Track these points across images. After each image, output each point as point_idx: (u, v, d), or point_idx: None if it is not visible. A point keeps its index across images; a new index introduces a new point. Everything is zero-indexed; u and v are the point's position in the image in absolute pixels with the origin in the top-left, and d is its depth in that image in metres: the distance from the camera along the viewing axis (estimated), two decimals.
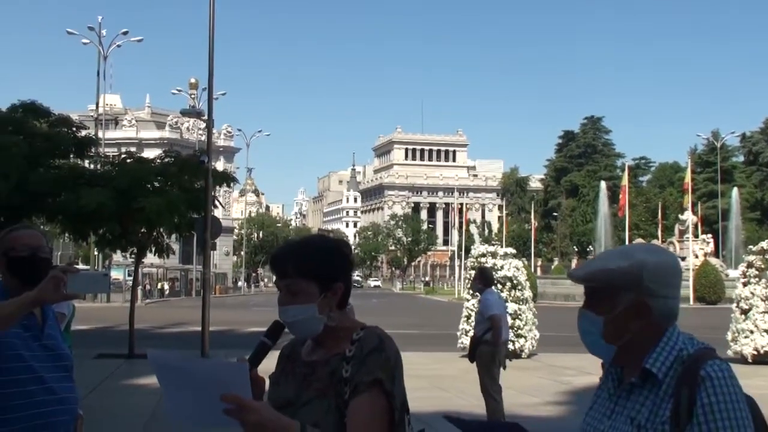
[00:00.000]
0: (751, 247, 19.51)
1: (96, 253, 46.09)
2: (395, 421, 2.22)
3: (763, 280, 17.78)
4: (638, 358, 2.06)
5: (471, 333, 10.42)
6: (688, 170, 59.73)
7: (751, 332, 17.49)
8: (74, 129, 19.30)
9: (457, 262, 71.23)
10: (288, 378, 2.39)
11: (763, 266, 17.95)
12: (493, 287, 10.24)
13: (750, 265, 18.23)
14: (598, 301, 2.12)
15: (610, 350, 2.12)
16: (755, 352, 17.29)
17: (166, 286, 67.90)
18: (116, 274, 55.62)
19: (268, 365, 2.46)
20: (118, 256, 39.21)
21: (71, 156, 19.28)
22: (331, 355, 2.31)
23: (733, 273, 44.47)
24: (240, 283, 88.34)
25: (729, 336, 18.03)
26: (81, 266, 48.27)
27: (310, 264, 2.34)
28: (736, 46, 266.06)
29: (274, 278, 2.42)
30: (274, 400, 2.34)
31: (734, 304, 18.49)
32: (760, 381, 14.83)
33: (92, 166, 20.15)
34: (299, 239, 2.48)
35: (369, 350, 2.25)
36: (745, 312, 17.85)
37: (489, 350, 9.53)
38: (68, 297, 3.04)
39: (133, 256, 20.34)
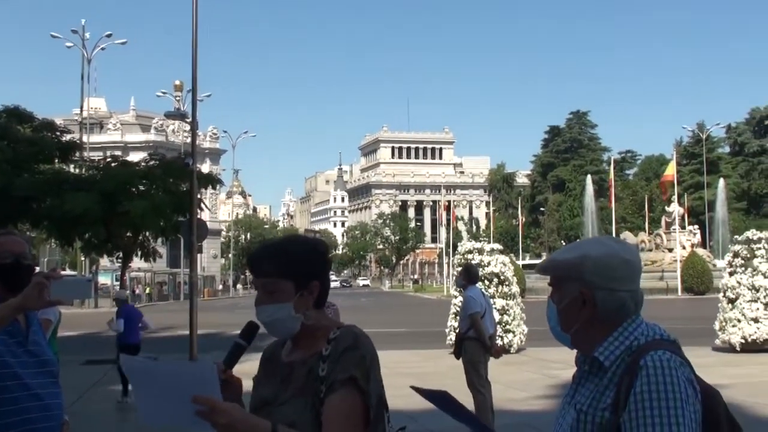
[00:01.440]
0: (737, 237, 19.60)
1: (83, 258, 45.90)
2: (370, 419, 2.24)
3: (749, 270, 17.89)
4: (592, 347, 2.14)
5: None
6: (672, 163, 59.85)
7: (739, 321, 17.60)
8: (58, 133, 19.28)
9: (445, 260, 71.39)
10: (268, 379, 2.40)
11: (749, 256, 18.06)
12: (477, 284, 10.25)
13: (736, 255, 18.33)
14: (553, 291, 2.24)
15: (567, 337, 2.22)
16: (743, 341, 17.39)
17: (149, 291, 67.04)
18: (104, 279, 55.44)
19: (251, 368, 2.48)
20: (105, 261, 39.08)
21: (56, 161, 19.25)
22: (309, 355, 2.32)
23: (720, 263, 44.70)
24: (219, 286, 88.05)
25: (717, 325, 18.13)
26: (68, 272, 48.15)
27: (286, 262, 2.35)
28: (720, 39, 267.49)
29: (252, 278, 2.45)
30: (253, 400, 2.37)
31: (721, 294, 18.59)
32: (748, 369, 14.96)
33: (77, 171, 20.09)
34: (276, 239, 2.50)
35: (344, 348, 2.26)
36: (732, 301, 17.93)
37: (473, 346, 9.55)
38: (52, 303, 3.04)
39: (119, 260, 20.31)
